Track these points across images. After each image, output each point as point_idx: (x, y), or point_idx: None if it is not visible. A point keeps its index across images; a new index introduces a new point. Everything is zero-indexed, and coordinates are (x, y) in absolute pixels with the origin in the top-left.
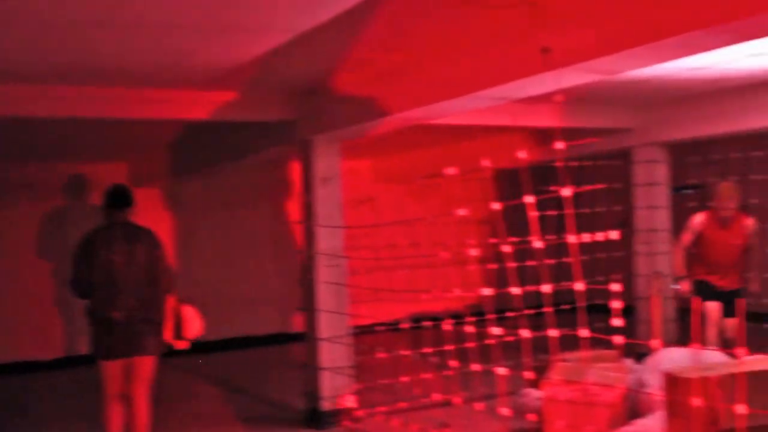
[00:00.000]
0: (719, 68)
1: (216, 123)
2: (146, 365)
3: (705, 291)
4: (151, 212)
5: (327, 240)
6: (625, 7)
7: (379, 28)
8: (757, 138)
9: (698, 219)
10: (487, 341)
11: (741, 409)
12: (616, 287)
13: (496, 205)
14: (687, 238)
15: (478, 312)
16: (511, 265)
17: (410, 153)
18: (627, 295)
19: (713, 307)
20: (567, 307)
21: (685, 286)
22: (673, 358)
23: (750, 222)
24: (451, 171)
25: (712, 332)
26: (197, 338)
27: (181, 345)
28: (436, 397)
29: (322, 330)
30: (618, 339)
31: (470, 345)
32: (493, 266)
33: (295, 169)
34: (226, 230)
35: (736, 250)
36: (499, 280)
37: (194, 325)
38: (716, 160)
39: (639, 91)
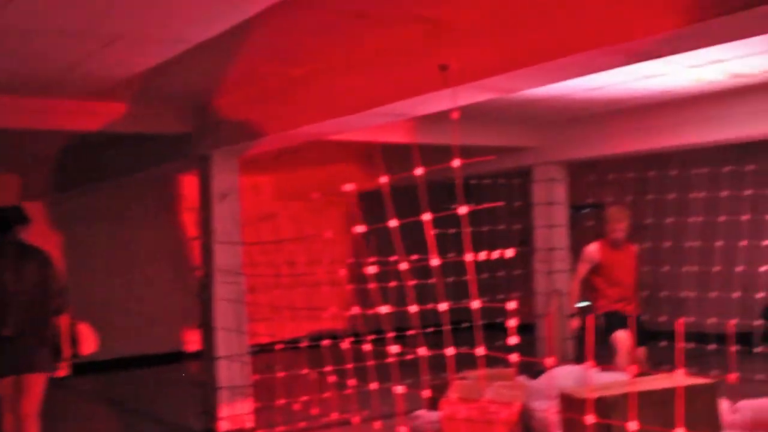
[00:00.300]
0: (615, 89)
1: (108, 134)
2: (36, 383)
3: (616, 321)
4: (42, 227)
5: (225, 256)
6: (521, 26)
7: (277, 43)
8: (652, 158)
9: (592, 248)
10: (386, 360)
11: (633, 426)
12: (512, 305)
13: (393, 223)
14: (583, 268)
15: (376, 330)
16: (410, 282)
17: (312, 169)
18: (527, 312)
19: (623, 336)
20: (466, 325)
21: (575, 323)
22: (567, 376)
23: (634, 247)
24: (349, 187)
25: (623, 361)
26: (90, 355)
27: (64, 368)
28: (335, 416)
29: (219, 348)
30: (514, 357)
31: (369, 363)
32: (392, 284)
33: (191, 184)
34: (121, 246)
35: (632, 272)
36: (398, 298)
37: (88, 343)
38: (613, 180)
39: (538, 111)
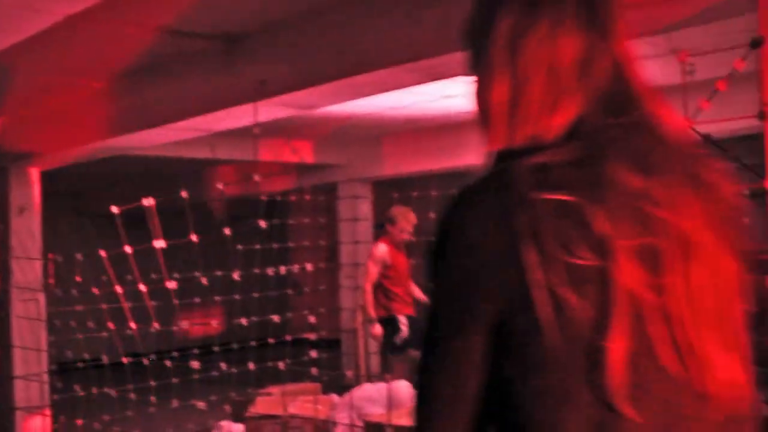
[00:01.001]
0: (418, 108)
1: None
2: None
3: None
4: None
5: (22, 273)
6: (321, 43)
7: (77, 54)
8: (455, 176)
9: (382, 248)
10: (190, 376)
11: None
12: (312, 319)
13: (194, 237)
14: (375, 271)
15: (180, 347)
16: (217, 298)
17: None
18: (333, 328)
19: None
20: (273, 340)
21: (377, 330)
22: (370, 395)
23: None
24: (148, 202)
25: None
26: None
27: None
28: None
29: (16, 367)
30: (316, 371)
31: (173, 380)
32: (197, 300)
33: None
34: None
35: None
36: (203, 314)
37: None
38: (418, 197)
39: (344, 129)
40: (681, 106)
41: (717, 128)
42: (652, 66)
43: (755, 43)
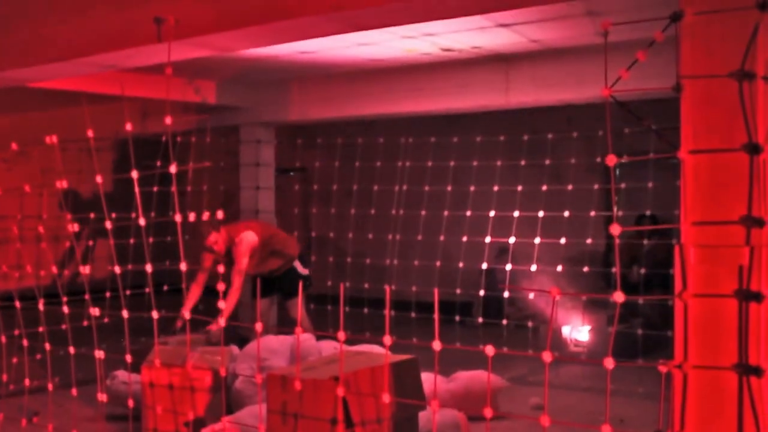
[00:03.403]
0: (328, 54)
1: None
2: None
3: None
4: None
5: None
6: None
7: None
8: (362, 125)
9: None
10: (84, 322)
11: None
12: (221, 269)
13: (99, 179)
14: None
15: (73, 291)
16: (111, 242)
17: (5, 117)
18: (230, 277)
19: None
20: (167, 288)
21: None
22: (273, 346)
23: None
24: (51, 139)
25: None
26: None
27: None
28: (27, 383)
29: None
30: (221, 323)
31: (64, 327)
32: (91, 243)
33: None
34: None
35: None
36: (98, 258)
37: None
38: (321, 144)
39: (248, 70)
40: (598, 71)
41: (635, 93)
42: (568, 27)
43: (675, 17)
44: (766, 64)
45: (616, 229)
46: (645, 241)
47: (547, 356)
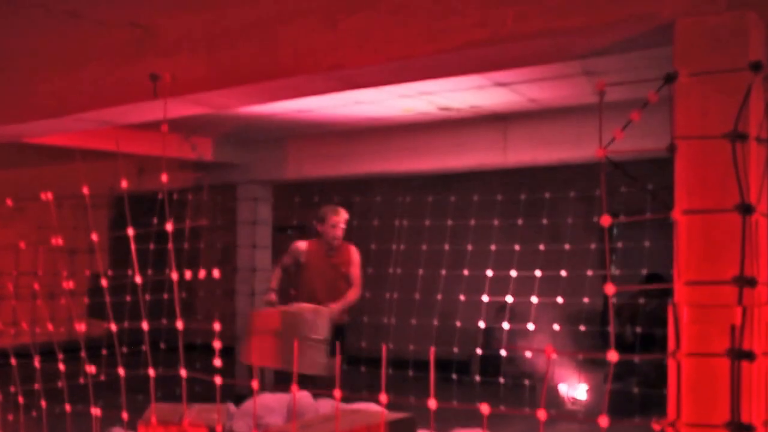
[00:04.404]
0: (325, 112)
1: None
2: None
3: None
4: None
5: None
6: (239, 43)
7: None
8: (359, 183)
9: (302, 244)
10: (81, 380)
11: None
12: (217, 326)
13: (95, 236)
14: (287, 260)
15: (70, 348)
16: (108, 299)
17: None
18: (227, 334)
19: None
20: (164, 346)
21: (273, 296)
22: (269, 404)
23: (354, 249)
24: (46, 195)
25: None
26: None
27: None
28: None
29: None
30: (217, 380)
31: (61, 384)
32: (88, 300)
33: None
34: None
35: (340, 279)
36: (97, 315)
37: None
38: (319, 202)
39: (246, 128)
40: (595, 130)
41: (633, 153)
42: (566, 87)
43: (669, 78)
44: (759, 124)
45: (610, 289)
46: (642, 301)
47: (542, 414)
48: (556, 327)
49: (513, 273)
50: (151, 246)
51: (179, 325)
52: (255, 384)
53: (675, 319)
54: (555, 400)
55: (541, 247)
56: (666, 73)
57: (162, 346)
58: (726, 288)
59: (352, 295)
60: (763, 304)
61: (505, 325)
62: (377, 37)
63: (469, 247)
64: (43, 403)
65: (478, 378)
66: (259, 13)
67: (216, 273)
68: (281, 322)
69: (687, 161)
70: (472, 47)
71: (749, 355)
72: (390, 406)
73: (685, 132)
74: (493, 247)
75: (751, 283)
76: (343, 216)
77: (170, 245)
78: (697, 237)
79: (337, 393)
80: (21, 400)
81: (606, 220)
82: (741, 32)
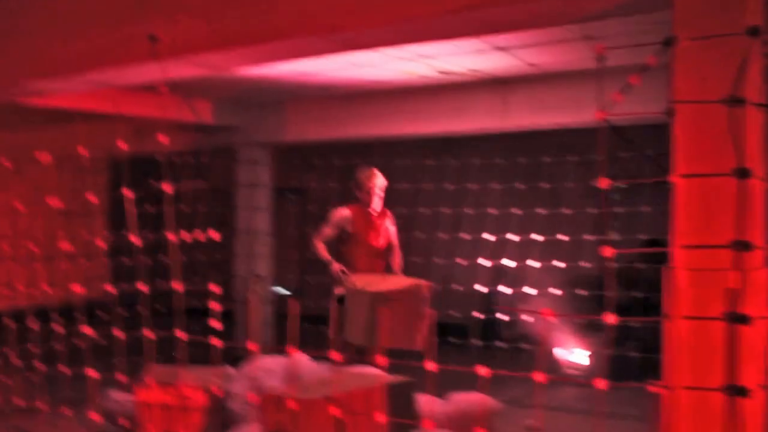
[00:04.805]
0: (325, 76)
1: None
2: None
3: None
4: None
5: None
6: (238, 4)
7: None
8: (358, 146)
9: (345, 212)
10: (77, 342)
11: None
12: (215, 289)
13: (93, 197)
14: (329, 231)
15: (67, 310)
16: (106, 261)
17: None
18: (225, 297)
19: None
20: (162, 308)
21: (338, 266)
22: (268, 367)
23: (391, 214)
24: (43, 156)
25: None
26: None
27: None
28: (19, 402)
29: None
30: (216, 342)
31: (58, 346)
32: (85, 262)
33: None
34: None
35: (381, 252)
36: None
37: None
38: (319, 165)
39: (246, 90)
40: (595, 95)
41: (633, 118)
42: (565, 51)
43: (668, 42)
44: (757, 89)
45: (608, 251)
46: (641, 266)
47: (539, 377)
48: (555, 291)
49: (512, 237)
50: (150, 209)
51: (178, 287)
52: (252, 347)
53: (671, 283)
54: (554, 365)
55: (541, 211)
56: (665, 38)
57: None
58: (723, 252)
59: (399, 262)
60: (759, 267)
61: (505, 289)
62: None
63: (469, 211)
64: (40, 366)
65: (477, 342)
66: None
67: (214, 235)
68: (401, 299)
69: (685, 125)
70: (471, 9)
71: (745, 319)
72: (389, 369)
73: (683, 96)
74: (492, 211)
75: (748, 247)
76: (379, 181)
77: (168, 207)
78: (695, 201)
79: (336, 356)
80: (17, 362)
81: (604, 183)
82: None
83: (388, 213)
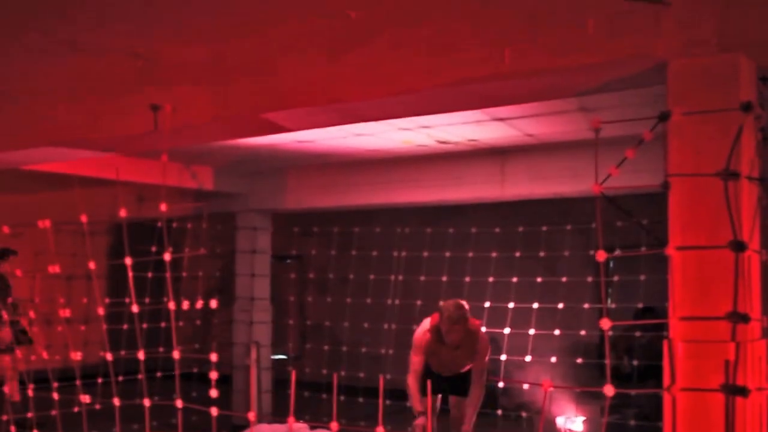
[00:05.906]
0: (325, 144)
1: None
2: None
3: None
4: None
5: None
6: (241, 76)
7: None
8: (358, 214)
9: (422, 336)
10: (75, 408)
11: None
12: (214, 357)
13: (92, 264)
14: (417, 359)
15: (65, 377)
16: (105, 327)
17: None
18: (224, 364)
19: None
20: (161, 374)
21: (421, 421)
22: None
23: (483, 337)
24: (43, 222)
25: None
26: None
27: None
28: None
29: None
30: (214, 411)
31: (54, 412)
32: (83, 327)
33: None
34: None
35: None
36: (92, 343)
37: None
38: (318, 232)
39: (246, 158)
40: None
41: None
42: (563, 122)
43: (663, 117)
44: (750, 163)
45: (606, 323)
46: (638, 334)
47: None
48: (553, 359)
49: (510, 305)
50: (149, 275)
51: (176, 354)
52: (252, 416)
53: (670, 354)
54: None
55: (539, 279)
56: (660, 112)
57: (158, 374)
58: (720, 324)
59: (478, 396)
60: (757, 339)
61: (502, 357)
62: (377, 72)
63: (467, 279)
64: None
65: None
66: (260, 46)
67: (213, 304)
68: None
69: (681, 198)
70: (471, 83)
71: (743, 391)
72: None
73: (678, 169)
74: (491, 279)
75: (745, 319)
76: (458, 325)
77: (168, 274)
78: (691, 273)
79: (334, 425)
80: (13, 429)
81: (601, 256)
82: (732, 73)
83: (480, 336)
